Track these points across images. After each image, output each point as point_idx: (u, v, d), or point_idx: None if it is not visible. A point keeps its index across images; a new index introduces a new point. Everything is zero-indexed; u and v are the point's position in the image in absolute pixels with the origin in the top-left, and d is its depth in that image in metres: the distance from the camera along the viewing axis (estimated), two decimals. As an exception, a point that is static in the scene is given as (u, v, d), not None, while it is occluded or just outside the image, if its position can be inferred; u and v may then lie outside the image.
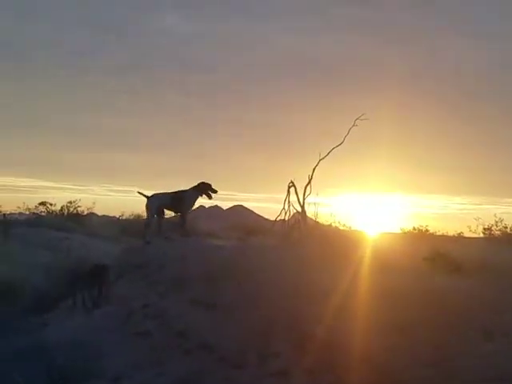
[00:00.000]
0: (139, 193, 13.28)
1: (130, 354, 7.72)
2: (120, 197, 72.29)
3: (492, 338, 5.65)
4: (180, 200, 13.03)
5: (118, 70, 67.91)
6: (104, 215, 36.07)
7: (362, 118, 15.53)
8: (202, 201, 13.95)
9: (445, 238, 23.85)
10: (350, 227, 19.83)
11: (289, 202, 15.00)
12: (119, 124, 68.33)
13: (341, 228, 19.32)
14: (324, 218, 18.35)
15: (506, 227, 21.35)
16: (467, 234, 23.63)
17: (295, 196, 14.99)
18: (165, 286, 9.86)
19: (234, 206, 64.82)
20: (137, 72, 66.94)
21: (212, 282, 9.08)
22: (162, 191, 13.38)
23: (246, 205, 64.80)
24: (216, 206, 68.16)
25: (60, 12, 64.46)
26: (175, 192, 13.20)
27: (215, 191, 13.46)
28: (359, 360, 5.97)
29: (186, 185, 13.49)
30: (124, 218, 29.23)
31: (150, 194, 13.12)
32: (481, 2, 58.55)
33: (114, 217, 31.84)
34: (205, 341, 7.34)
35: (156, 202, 12.95)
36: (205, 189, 13.24)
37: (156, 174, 69.06)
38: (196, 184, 13.28)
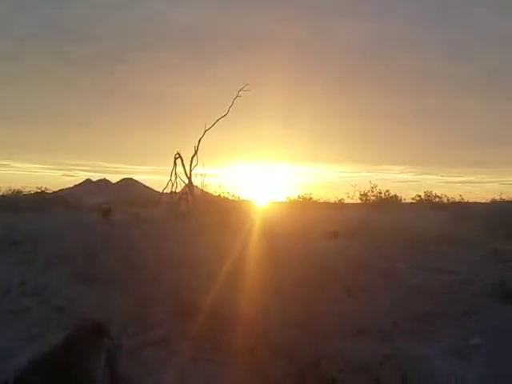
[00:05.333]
0: None
1: (5, 333, 7.42)
2: (-5, 171, 67.63)
3: (352, 295, 6.16)
4: None
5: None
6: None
7: (245, 89, 15.84)
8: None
9: (327, 205, 25.17)
10: (238, 197, 20.23)
11: (175, 173, 15.06)
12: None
13: (230, 198, 19.66)
14: (213, 189, 18.59)
15: (381, 193, 23.05)
16: (347, 201, 25.21)
17: (182, 167, 15.03)
18: (44, 261, 9.55)
19: (124, 179, 63.24)
20: (11, 37, 62.11)
21: (93, 256, 8.93)
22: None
23: (135, 178, 63.54)
24: (104, 179, 66.13)
25: None
26: None
27: None
28: (238, 324, 6.22)
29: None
30: (1, 193, 27.58)
31: None
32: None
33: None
34: (84, 315, 7.24)
35: None
36: None
37: (37, 147, 65.29)
38: None
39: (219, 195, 18.89)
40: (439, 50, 64.55)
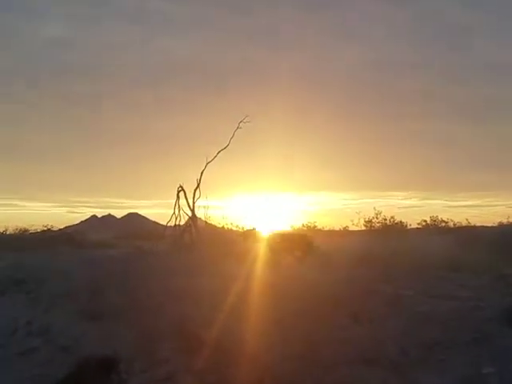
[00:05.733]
0: None
1: (12, 376, 7.34)
2: (2, 211, 67.73)
3: (359, 322, 6.08)
4: None
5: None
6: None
7: (245, 120, 16.00)
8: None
9: (332, 233, 25.09)
10: (242, 228, 20.21)
11: (179, 206, 15.11)
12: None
13: (233, 229, 19.66)
14: (216, 221, 18.62)
15: (386, 219, 22.95)
16: (352, 228, 25.09)
17: (185, 200, 15.08)
18: (49, 300, 9.51)
19: (129, 213, 63.30)
20: (19, 80, 63.19)
21: (98, 291, 8.89)
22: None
23: (140, 212, 63.64)
24: (109, 214, 66.26)
25: None
26: None
27: None
28: (242, 358, 6.15)
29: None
30: (8, 232, 27.67)
31: None
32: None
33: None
34: (89, 353, 7.16)
35: None
36: None
37: (42, 186, 65.54)
38: None
39: (223, 226, 18.90)
40: (442, 75, 65.14)
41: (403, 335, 6.34)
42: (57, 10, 63.48)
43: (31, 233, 27.57)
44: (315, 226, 26.23)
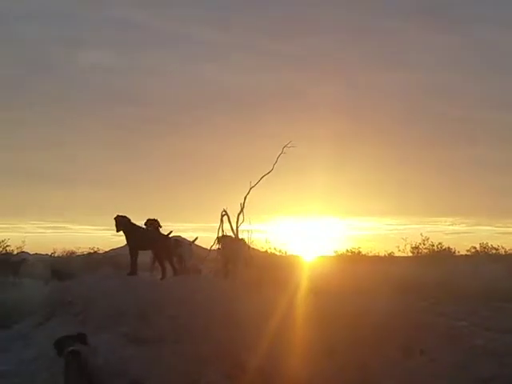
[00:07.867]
0: None
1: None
2: (51, 234, 69.70)
3: (411, 356, 5.87)
4: None
5: (44, 104, 66.49)
6: (36, 253, 34.94)
7: (289, 145, 15.97)
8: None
9: (377, 259, 24.60)
10: (285, 252, 20.04)
11: (222, 230, 15.06)
12: (47, 159, 66.29)
13: (277, 254, 19.52)
14: (259, 245, 18.53)
15: (433, 245, 22.35)
16: (397, 254, 24.55)
17: (229, 224, 15.08)
18: (96, 323, 9.57)
19: (172, 237, 63.76)
20: (63, 105, 65.72)
21: (144, 315, 8.91)
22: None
23: (183, 235, 64.03)
24: (153, 237, 66.79)
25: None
26: None
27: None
28: (287, 382, 6.02)
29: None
30: (56, 255, 28.37)
31: None
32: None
33: (46, 254, 30.88)
34: (137, 377, 7.18)
35: None
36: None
37: (88, 209, 67.17)
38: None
39: (266, 251, 18.80)
40: (490, 101, 64.11)
41: (458, 369, 6.08)
42: (97, 37, 66.21)
43: (78, 255, 28.16)
44: (359, 252, 25.79)
